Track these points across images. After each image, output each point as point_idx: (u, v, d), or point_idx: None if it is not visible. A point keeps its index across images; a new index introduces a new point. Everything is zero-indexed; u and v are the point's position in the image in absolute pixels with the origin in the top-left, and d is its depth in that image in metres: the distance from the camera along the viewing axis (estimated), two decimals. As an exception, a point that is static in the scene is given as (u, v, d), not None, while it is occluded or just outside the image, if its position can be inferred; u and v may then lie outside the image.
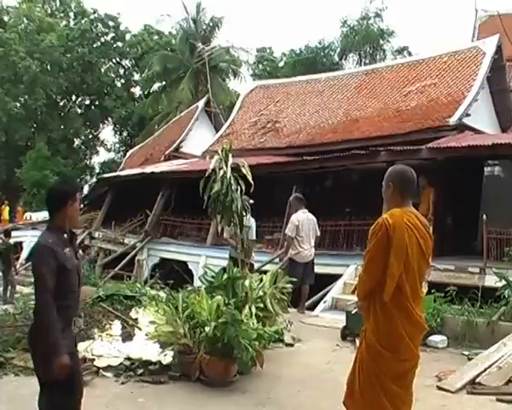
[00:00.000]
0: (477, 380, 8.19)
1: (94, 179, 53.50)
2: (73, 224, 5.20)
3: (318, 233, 14.07)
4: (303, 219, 13.67)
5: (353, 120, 24.76)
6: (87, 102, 59.40)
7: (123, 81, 59.86)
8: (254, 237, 13.93)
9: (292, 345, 10.51)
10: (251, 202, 12.01)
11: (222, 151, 11.58)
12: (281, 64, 59.37)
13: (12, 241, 22.17)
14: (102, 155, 63.21)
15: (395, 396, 4.81)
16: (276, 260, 17.82)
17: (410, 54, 49.59)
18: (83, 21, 55.05)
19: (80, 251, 26.09)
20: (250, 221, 13.02)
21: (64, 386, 4.78)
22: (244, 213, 11.37)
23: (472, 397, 7.73)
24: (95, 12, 56.11)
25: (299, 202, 14.02)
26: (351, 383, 4.99)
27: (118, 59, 58.77)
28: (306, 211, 13.87)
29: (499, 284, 11.65)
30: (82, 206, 33.62)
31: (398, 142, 19.72)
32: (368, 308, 4.93)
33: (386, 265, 4.71)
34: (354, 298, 11.25)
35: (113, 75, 58.92)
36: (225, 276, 9.46)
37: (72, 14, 59.03)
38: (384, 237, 4.72)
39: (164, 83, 52.69)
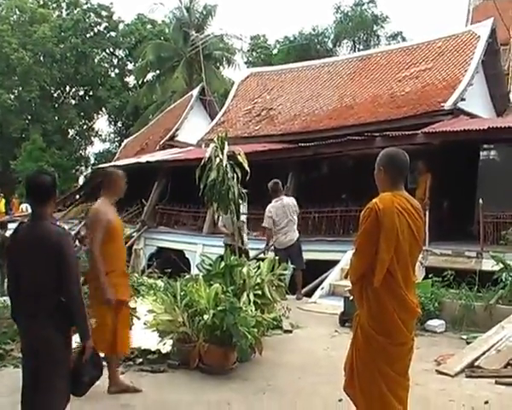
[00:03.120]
0: (476, 363, 8.20)
1: (89, 170, 53.48)
2: (53, 212, 5.28)
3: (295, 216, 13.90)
4: (277, 208, 13.58)
5: (348, 106, 24.74)
6: (81, 92, 59.29)
7: (117, 71, 59.78)
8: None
9: (290, 332, 10.53)
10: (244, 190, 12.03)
11: (218, 139, 11.58)
12: (275, 51, 59.26)
13: (8, 233, 22.11)
14: (97, 146, 63.33)
15: (393, 381, 4.80)
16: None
17: (404, 39, 49.61)
18: (75, 12, 54.96)
19: (77, 242, 26.09)
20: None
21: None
22: (241, 201, 11.38)
23: (471, 380, 7.74)
24: (87, 2, 56.08)
25: (273, 191, 13.84)
26: (349, 369, 4.98)
27: (111, 49, 58.62)
28: (282, 197, 13.74)
29: (496, 268, 11.66)
30: (78, 196, 33.65)
31: (394, 127, 19.73)
32: (360, 293, 4.91)
33: (377, 249, 4.69)
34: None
35: (106, 65, 58.86)
36: (223, 264, 9.45)
37: (64, 5, 58.84)
38: (374, 221, 4.70)
39: (158, 72, 52.60)
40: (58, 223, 5.15)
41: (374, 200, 4.80)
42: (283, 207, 13.58)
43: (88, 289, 7.21)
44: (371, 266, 4.74)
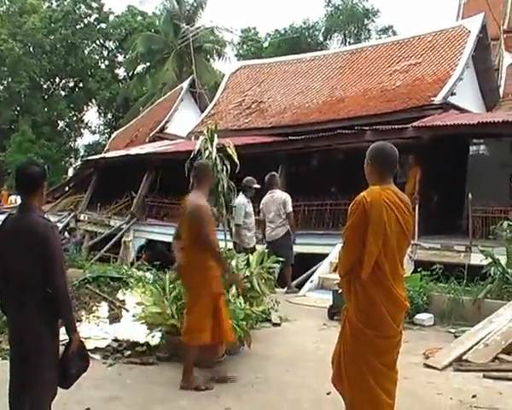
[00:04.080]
0: (464, 357, 8.23)
1: (78, 162, 53.36)
2: (42, 205, 5.28)
3: (288, 210, 13.64)
4: (267, 201, 13.54)
5: (338, 99, 24.76)
6: (71, 84, 59.06)
7: (107, 63, 59.56)
8: (239, 222, 13.05)
9: (279, 325, 10.52)
10: (257, 186, 12.05)
11: (207, 132, 11.58)
12: (265, 44, 59.23)
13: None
14: (87, 138, 63.05)
15: (380, 374, 4.81)
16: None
17: (394, 33, 49.73)
18: (65, 3, 54.62)
19: (66, 233, 26.05)
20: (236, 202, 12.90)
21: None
22: (230, 193, 11.37)
23: (459, 374, 7.77)
24: (78, -7, 55.66)
25: (269, 184, 13.79)
26: (337, 363, 4.99)
27: (101, 40, 58.39)
28: (275, 191, 13.69)
29: (485, 262, 11.70)
30: (67, 188, 33.57)
31: (384, 121, 19.76)
32: (348, 287, 4.92)
33: (365, 242, 4.70)
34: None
35: (96, 57, 58.59)
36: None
37: (54, -5, 58.52)
38: (362, 214, 4.70)
39: (148, 64, 52.49)
40: (46, 215, 5.13)
41: (362, 193, 4.81)
42: (273, 200, 13.55)
43: (185, 282, 7.55)
44: (359, 259, 4.75)
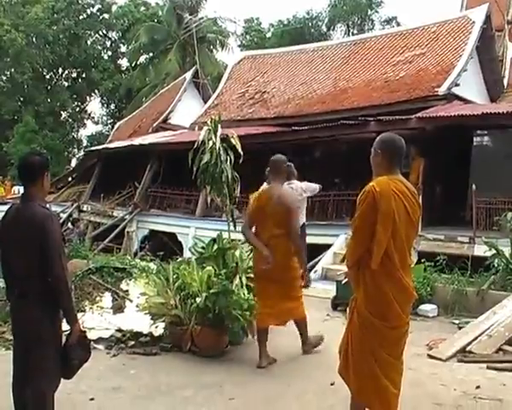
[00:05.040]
0: (467, 348, 8.22)
1: (82, 152, 53.29)
2: (45, 195, 5.26)
3: (315, 190, 13.72)
4: None
5: (342, 90, 24.71)
6: (74, 74, 58.90)
7: (110, 53, 59.40)
8: None
9: (283, 315, 10.51)
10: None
11: (211, 122, 11.54)
12: (268, 35, 59.16)
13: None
14: (90, 128, 62.95)
15: (387, 365, 4.82)
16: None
17: (398, 24, 49.63)
18: (68, -7, 54.48)
19: (69, 224, 26.08)
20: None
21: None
22: (234, 184, 11.34)
23: (462, 365, 7.76)
24: (80, -17, 55.52)
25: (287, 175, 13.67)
26: (344, 352, 4.99)
27: (104, 31, 58.22)
28: (293, 181, 13.52)
29: (489, 254, 11.69)
30: (70, 179, 33.61)
31: (387, 112, 19.70)
32: (357, 277, 4.92)
33: (374, 232, 4.69)
34: (344, 268, 11.32)
35: (99, 47, 58.46)
36: (215, 247, 9.43)
37: (57, -14, 58.35)
38: (371, 204, 4.69)
39: (151, 55, 52.45)
40: (48, 205, 5.12)
41: (370, 183, 4.80)
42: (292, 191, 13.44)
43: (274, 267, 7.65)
44: (368, 248, 4.74)
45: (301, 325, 8.25)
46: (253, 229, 8.00)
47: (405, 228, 4.80)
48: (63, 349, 4.97)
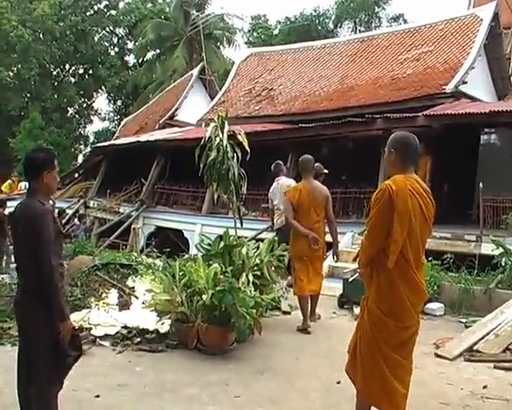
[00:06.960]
0: (474, 348, 8.21)
1: (88, 149, 53.35)
2: (52, 191, 5.24)
3: None
4: (273, 189, 13.41)
5: (349, 87, 24.68)
6: (80, 70, 58.86)
7: (116, 50, 59.36)
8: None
9: (289, 313, 10.52)
10: (326, 171, 12.15)
11: (218, 119, 11.52)
12: (275, 32, 58.97)
13: (7, 211, 22.06)
14: (96, 124, 62.94)
15: (396, 364, 4.80)
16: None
17: (405, 21, 49.46)
18: (75, -11, 54.48)
19: (76, 220, 26.09)
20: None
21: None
22: (241, 181, 11.33)
23: (469, 364, 7.75)
24: (87, -20, 55.49)
25: (274, 173, 13.66)
26: (353, 351, 4.98)
27: (111, 27, 58.15)
28: (280, 178, 13.54)
29: (496, 252, 11.65)
30: (77, 175, 33.65)
31: (394, 109, 19.64)
32: (370, 275, 4.90)
33: (390, 231, 4.67)
34: (351, 266, 11.32)
35: (106, 44, 58.42)
36: (222, 244, 9.41)
37: (64, -18, 58.34)
38: (387, 203, 4.67)
39: (158, 51, 52.44)
40: (52, 201, 5.11)
41: (386, 181, 4.78)
42: (279, 187, 13.41)
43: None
44: (383, 247, 4.72)
45: (317, 298, 9.96)
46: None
47: (420, 227, 4.80)
48: (54, 348, 4.92)
